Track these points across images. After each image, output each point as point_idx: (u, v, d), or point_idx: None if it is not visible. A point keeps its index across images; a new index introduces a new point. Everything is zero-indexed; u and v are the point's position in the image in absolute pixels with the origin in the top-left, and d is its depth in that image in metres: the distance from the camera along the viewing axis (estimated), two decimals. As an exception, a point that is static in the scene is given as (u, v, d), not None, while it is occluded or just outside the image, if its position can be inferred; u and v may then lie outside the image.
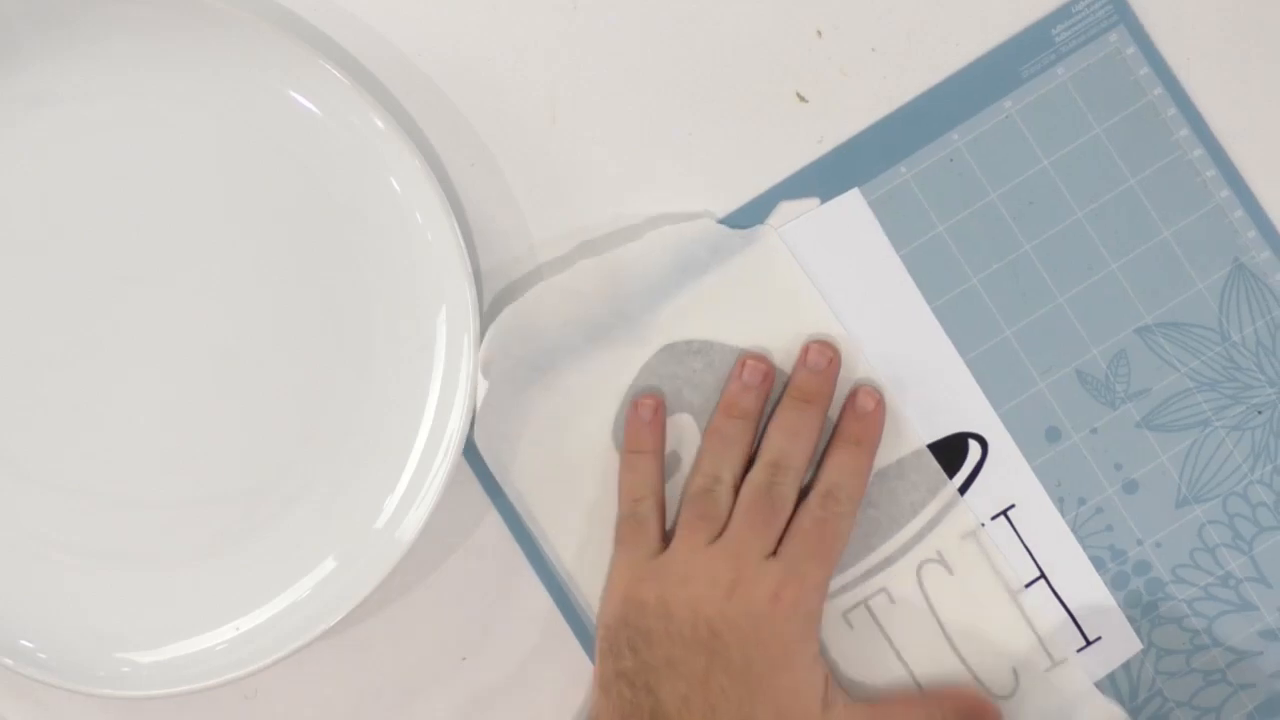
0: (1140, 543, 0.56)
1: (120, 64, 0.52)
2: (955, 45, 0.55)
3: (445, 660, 0.56)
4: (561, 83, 0.55)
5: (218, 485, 0.53)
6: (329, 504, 0.54)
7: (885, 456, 0.56)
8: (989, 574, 0.56)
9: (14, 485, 0.53)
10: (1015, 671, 0.56)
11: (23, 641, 0.52)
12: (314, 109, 0.52)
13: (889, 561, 0.56)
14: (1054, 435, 0.56)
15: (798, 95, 0.55)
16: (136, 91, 0.52)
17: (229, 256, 0.53)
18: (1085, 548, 0.56)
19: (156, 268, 0.53)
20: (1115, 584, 0.56)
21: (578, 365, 0.55)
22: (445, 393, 0.53)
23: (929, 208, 0.55)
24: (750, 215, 0.55)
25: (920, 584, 0.56)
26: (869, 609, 0.56)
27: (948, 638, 0.56)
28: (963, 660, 0.56)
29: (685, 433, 0.55)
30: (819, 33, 0.55)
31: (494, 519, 0.56)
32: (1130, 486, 0.56)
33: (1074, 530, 0.56)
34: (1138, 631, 0.56)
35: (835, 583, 0.56)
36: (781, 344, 0.55)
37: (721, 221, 0.55)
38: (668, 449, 0.55)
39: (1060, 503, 0.56)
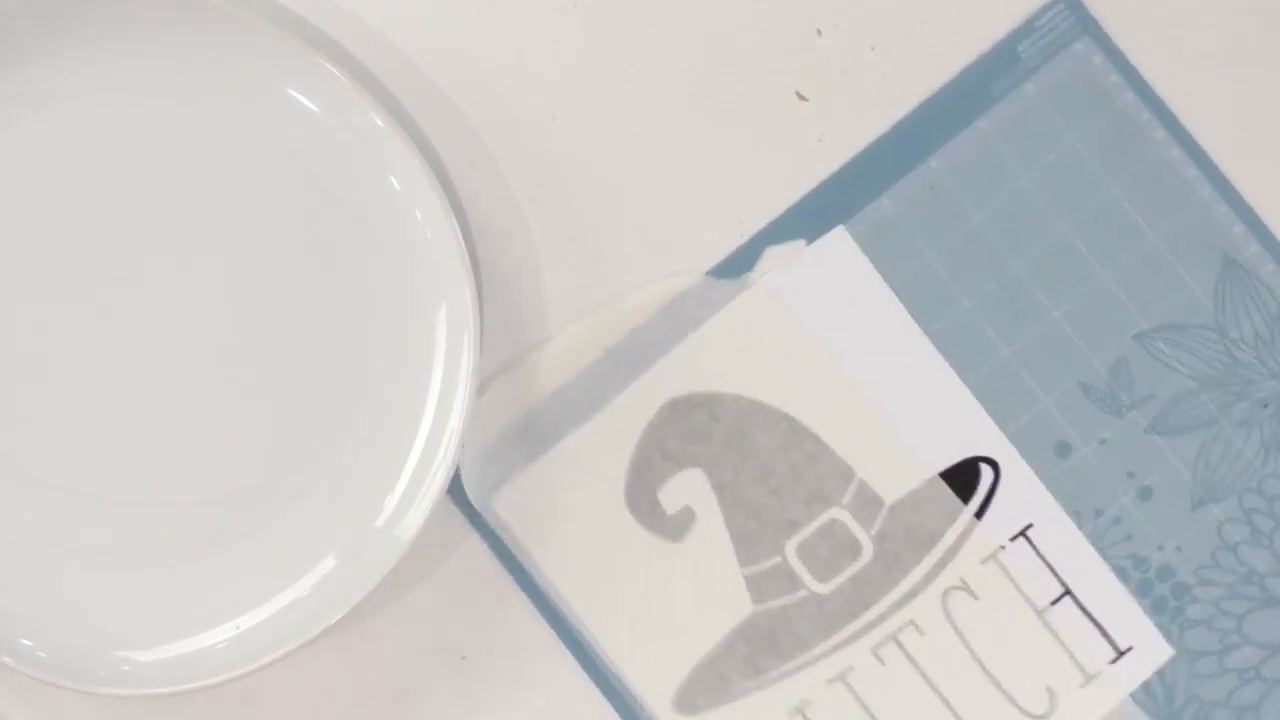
0: (1161, 548, 0.56)
1: (120, 63, 0.52)
2: (955, 44, 0.56)
3: (445, 659, 0.55)
4: (561, 82, 0.55)
5: (218, 484, 0.53)
6: (329, 502, 0.54)
7: (897, 490, 0.56)
8: (1014, 595, 0.56)
9: (14, 485, 0.53)
10: (1050, 690, 0.56)
11: (22, 640, 0.52)
12: (313, 107, 0.52)
13: (913, 594, 0.56)
14: (1064, 450, 0.56)
15: (797, 94, 0.55)
16: (136, 91, 0.52)
17: (228, 255, 0.53)
18: (1107, 559, 0.56)
19: (156, 267, 0.53)
20: (1140, 592, 0.56)
21: (580, 431, 0.55)
22: (445, 391, 0.53)
23: (915, 236, 0.55)
24: (737, 263, 0.55)
25: (947, 613, 0.56)
26: (898, 643, 0.56)
27: (979, 663, 0.56)
28: (996, 684, 0.56)
29: (697, 488, 0.55)
30: (819, 32, 0.55)
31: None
32: (1145, 493, 0.56)
33: (1093, 543, 0.56)
34: (1167, 637, 0.56)
35: (861, 620, 0.56)
36: (782, 387, 0.55)
37: (709, 273, 0.55)
38: (680, 505, 0.55)
39: (1077, 516, 0.56)
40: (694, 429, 0.55)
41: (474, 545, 0.55)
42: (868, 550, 0.56)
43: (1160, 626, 0.56)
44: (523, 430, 0.55)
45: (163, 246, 0.53)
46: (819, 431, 0.56)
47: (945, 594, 0.56)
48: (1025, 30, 0.55)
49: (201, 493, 0.53)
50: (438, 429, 0.53)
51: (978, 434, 0.56)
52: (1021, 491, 0.56)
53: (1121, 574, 0.56)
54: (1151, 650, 0.56)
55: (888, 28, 0.56)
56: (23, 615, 0.52)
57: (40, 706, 0.54)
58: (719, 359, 0.55)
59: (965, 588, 0.56)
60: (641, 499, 0.56)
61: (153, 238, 0.53)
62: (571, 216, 0.55)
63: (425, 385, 0.53)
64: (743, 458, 0.56)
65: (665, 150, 0.56)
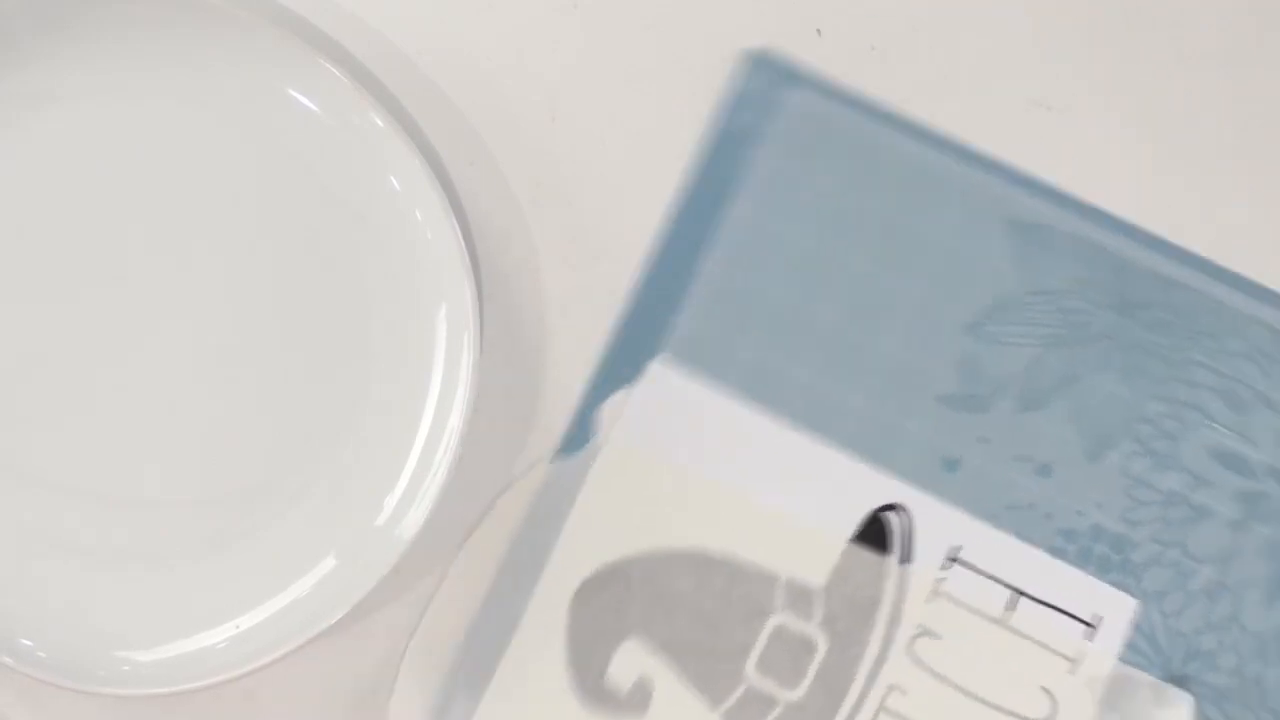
0: (1081, 513, 0.56)
1: (120, 63, 0.52)
2: (954, 44, 0.58)
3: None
4: (561, 82, 0.56)
5: (218, 484, 0.54)
6: (329, 502, 0.54)
7: (822, 572, 0.55)
8: (971, 618, 0.56)
9: (14, 485, 0.53)
10: (1045, 690, 0.55)
11: (22, 640, 0.52)
12: (313, 107, 0.53)
13: (881, 660, 0.55)
14: (952, 465, 0.56)
15: None
16: (136, 91, 0.53)
17: (228, 255, 0.53)
18: (1038, 546, 0.56)
19: (155, 267, 0.53)
20: (1082, 560, 0.56)
21: (509, 654, 0.54)
22: (445, 391, 0.53)
23: (729, 337, 0.57)
24: (577, 437, 0.56)
25: (919, 663, 0.55)
26: (889, 711, 0.55)
27: (970, 694, 0.55)
28: (994, 706, 0.55)
29: (641, 656, 0.55)
30: (819, 32, 0.57)
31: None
32: (1043, 470, 0.56)
33: (1020, 537, 0.56)
34: (1127, 590, 0.56)
35: (846, 707, 0.55)
36: (676, 527, 0.55)
37: (557, 458, 0.55)
38: (633, 679, 0.55)
39: (994, 519, 0.56)
40: (614, 601, 0.55)
41: (475, 543, 0.55)
42: (821, 640, 0.55)
43: (1115, 584, 0.56)
44: (454, 679, 0.54)
45: (163, 246, 0.53)
46: (728, 553, 0.56)
47: (909, 646, 0.55)
48: (738, 103, 0.56)
49: (201, 493, 0.53)
50: (438, 429, 0.53)
51: (869, 487, 0.56)
52: (934, 521, 0.56)
53: (1058, 553, 0.56)
54: (1118, 610, 0.56)
55: (888, 28, 0.57)
56: (23, 615, 0.52)
57: (40, 706, 0.54)
58: (606, 528, 0.55)
59: (926, 632, 0.56)
60: (594, 691, 0.55)
61: (153, 237, 0.53)
62: (571, 216, 0.56)
63: (425, 385, 0.54)
64: (670, 609, 0.55)
65: (665, 148, 0.56)
